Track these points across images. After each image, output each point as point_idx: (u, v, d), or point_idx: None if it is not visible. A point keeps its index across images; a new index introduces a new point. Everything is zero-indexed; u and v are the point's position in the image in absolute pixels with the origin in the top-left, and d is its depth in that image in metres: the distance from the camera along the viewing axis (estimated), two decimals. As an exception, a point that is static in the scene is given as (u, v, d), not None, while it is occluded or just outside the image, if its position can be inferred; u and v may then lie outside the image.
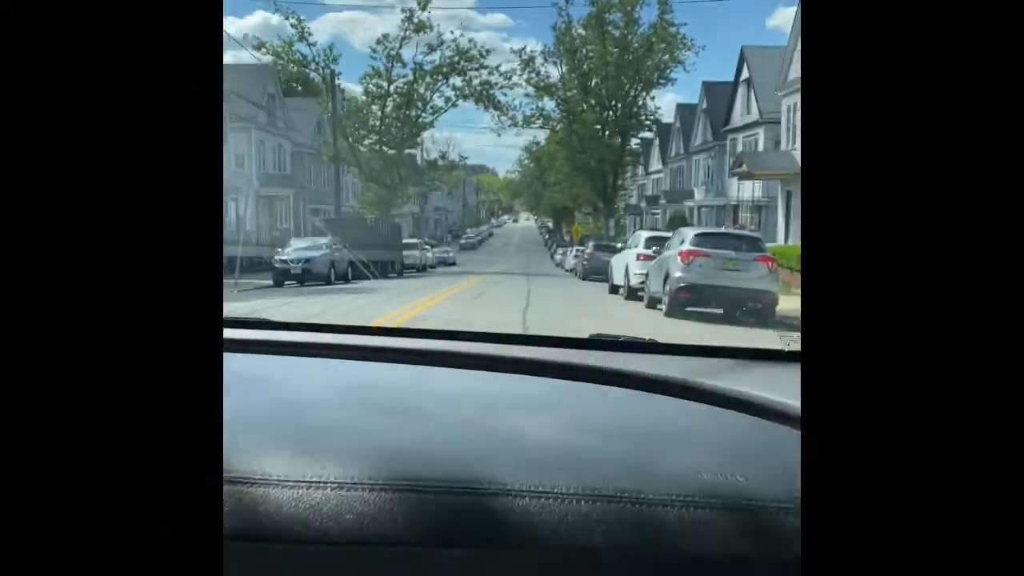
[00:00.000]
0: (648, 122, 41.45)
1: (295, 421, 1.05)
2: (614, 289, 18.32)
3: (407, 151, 42.96)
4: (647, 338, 1.49)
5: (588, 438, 0.99)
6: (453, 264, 44.53)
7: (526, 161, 73.26)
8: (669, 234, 17.85)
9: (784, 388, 1.11)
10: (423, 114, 41.99)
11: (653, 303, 13.75)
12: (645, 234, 17.23)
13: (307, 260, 20.89)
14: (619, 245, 18.82)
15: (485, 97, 40.64)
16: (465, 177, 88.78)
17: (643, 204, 47.25)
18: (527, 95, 42.16)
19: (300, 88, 43.78)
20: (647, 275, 14.46)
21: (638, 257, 15.85)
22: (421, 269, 35.39)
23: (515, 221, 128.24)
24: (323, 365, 1.37)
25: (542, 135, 57.99)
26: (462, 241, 67.34)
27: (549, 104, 44.27)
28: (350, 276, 22.49)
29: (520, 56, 40.56)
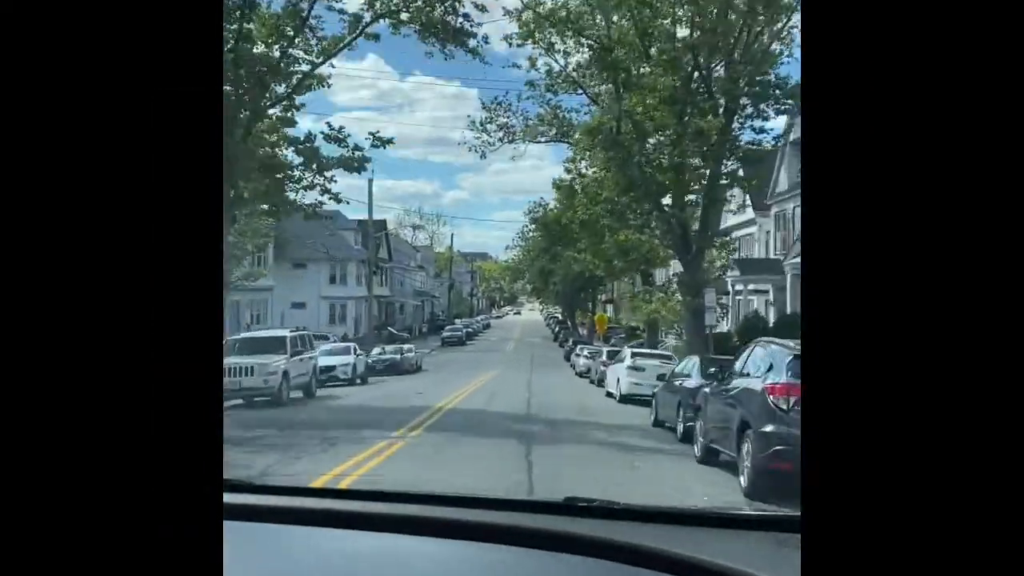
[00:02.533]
0: (780, 92, 19.05)
1: None
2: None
3: (258, 128, 16.88)
4: (621, 503, 1.44)
5: None
6: (413, 370, 25.84)
7: (531, 232, 54.21)
8: None
9: (770, 562, 1.11)
10: (291, 50, 16.73)
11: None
12: None
13: None
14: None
15: (438, 24, 16.69)
16: (452, 256, 71.44)
17: (730, 274, 26.97)
18: (530, 84, 22.51)
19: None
20: None
21: None
22: (302, 393, 15.47)
23: (518, 313, 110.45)
24: (277, 534, 1.31)
25: (549, 191, 39.75)
26: (444, 334, 48.80)
27: (570, 101, 24.63)
28: None
29: (518, 19, 21.14)
